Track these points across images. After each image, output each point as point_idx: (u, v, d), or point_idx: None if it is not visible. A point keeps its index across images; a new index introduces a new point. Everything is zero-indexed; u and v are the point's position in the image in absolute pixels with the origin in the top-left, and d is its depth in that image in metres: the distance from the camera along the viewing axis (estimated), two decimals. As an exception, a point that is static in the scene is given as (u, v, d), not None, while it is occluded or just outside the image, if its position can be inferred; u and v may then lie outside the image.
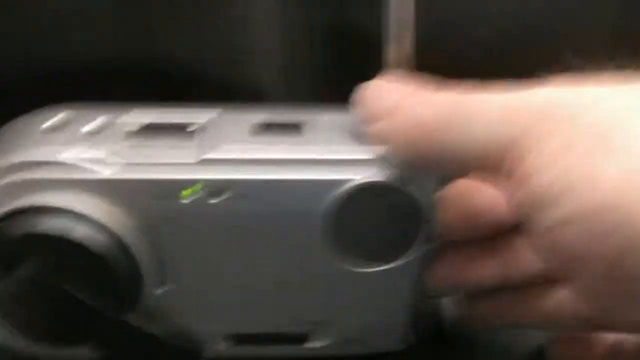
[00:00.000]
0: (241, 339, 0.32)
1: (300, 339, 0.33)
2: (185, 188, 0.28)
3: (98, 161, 0.28)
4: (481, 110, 0.26)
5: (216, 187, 0.28)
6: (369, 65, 0.33)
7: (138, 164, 0.28)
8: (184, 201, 0.28)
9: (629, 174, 0.23)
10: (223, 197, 0.28)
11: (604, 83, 0.25)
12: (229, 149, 0.29)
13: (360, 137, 0.29)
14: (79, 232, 0.28)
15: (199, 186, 0.28)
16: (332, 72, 0.38)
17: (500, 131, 0.25)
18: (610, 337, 0.31)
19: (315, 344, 0.33)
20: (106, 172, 0.28)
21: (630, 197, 0.23)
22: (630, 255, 0.23)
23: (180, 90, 0.34)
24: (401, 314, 0.33)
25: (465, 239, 0.30)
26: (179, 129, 0.30)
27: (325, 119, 0.31)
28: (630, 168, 0.23)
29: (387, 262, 0.30)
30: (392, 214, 0.29)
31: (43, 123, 0.30)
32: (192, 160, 0.28)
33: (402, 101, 0.27)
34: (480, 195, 0.29)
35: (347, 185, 0.28)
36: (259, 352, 0.33)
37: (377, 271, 0.31)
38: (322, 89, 0.38)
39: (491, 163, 0.26)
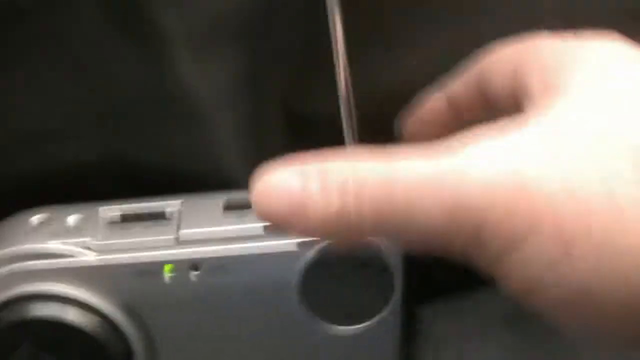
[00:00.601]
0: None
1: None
2: (165, 266, 0.30)
3: (84, 248, 0.30)
4: (424, 194, 0.24)
5: (195, 264, 0.30)
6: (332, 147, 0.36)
7: (121, 248, 0.30)
8: (167, 279, 0.30)
9: None
10: (202, 273, 0.30)
11: None
12: (204, 227, 0.31)
13: None
14: (71, 315, 0.30)
15: (180, 263, 0.30)
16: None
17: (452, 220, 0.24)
18: None
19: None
20: (92, 258, 0.30)
21: None
22: None
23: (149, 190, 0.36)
24: None
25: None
26: (156, 214, 0.32)
27: None
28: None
29: (364, 320, 0.32)
30: (363, 272, 0.31)
31: (29, 221, 0.32)
32: (170, 241, 0.31)
33: (307, 199, 0.24)
34: None
35: (318, 248, 0.31)
36: None
37: (358, 330, 0.32)
38: None
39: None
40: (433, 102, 0.33)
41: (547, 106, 0.25)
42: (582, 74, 0.25)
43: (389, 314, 0.32)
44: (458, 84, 0.31)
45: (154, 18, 0.33)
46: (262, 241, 0.31)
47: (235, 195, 0.33)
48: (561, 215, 0.22)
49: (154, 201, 0.33)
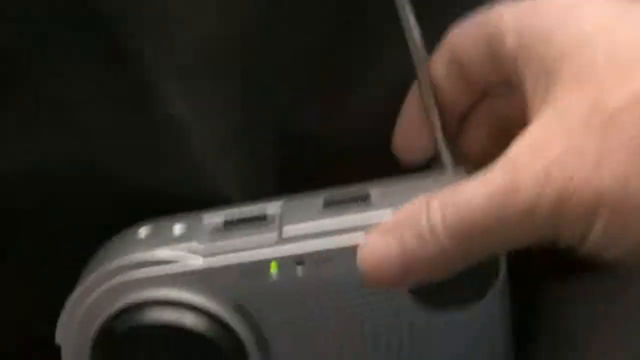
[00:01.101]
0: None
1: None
2: (271, 264, 0.31)
3: (191, 253, 0.31)
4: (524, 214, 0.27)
5: (300, 259, 0.31)
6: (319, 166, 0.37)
7: (227, 251, 0.31)
8: (273, 277, 0.31)
9: None
10: (307, 268, 0.31)
11: None
12: (305, 223, 0.31)
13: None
14: (183, 319, 0.31)
15: (285, 260, 0.31)
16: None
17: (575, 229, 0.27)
18: None
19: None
20: (199, 261, 0.31)
21: None
22: None
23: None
24: None
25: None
26: (258, 216, 0.33)
27: (391, 189, 0.33)
28: None
29: (470, 303, 0.32)
30: None
31: (137, 233, 0.33)
32: (273, 239, 0.31)
33: (405, 256, 0.28)
34: None
35: None
36: None
37: (464, 314, 0.32)
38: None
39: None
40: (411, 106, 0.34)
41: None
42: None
43: (494, 296, 0.32)
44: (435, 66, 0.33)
45: (139, 48, 0.33)
46: (365, 232, 0.31)
47: (334, 192, 0.33)
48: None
49: (255, 204, 0.34)
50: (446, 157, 0.33)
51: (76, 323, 0.31)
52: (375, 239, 0.29)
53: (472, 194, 0.27)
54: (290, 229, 0.31)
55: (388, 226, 0.29)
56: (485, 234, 0.27)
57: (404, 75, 0.34)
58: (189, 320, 0.31)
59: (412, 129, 0.34)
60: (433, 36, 0.33)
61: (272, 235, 0.31)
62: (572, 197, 0.25)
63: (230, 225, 0.33)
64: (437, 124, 0.33)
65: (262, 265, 0.31)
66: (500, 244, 0.28)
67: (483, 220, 0.26)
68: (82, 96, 0.34)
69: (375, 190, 0.33)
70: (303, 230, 0.31)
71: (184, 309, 0.31)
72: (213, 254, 0.31)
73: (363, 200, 0.32)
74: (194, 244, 0.31)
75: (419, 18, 0.33)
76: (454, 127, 0.34)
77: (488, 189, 0.27)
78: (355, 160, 0.39)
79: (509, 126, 0.31)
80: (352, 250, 0.30)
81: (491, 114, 0.34)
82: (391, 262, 0.28)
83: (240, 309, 0.31)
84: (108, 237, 0.34)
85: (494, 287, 0.32)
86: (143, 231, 0.33)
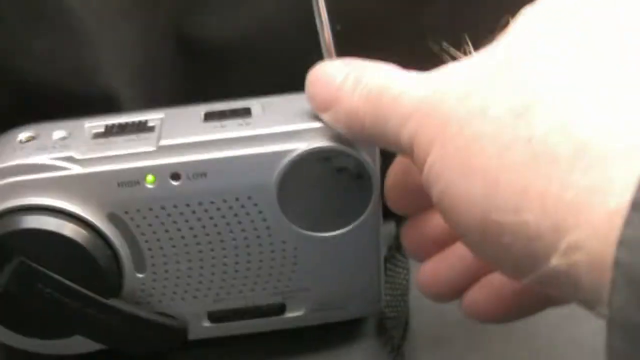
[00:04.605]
0: (222, 315, 0.35)
1: (279, 309, 0.35)
2: (148, 174, 0.31)
3: (69, 159, 0.31)
4: (392, 107, 0.26)
5: (176, 172, 0.31)
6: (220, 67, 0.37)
7: (105, 157, 0.31)
8: (149, 186, 0.31)
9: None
10: (184, 178, 0.31)
11: None
12: (185, 134, 0.31)
13: (307, 113, 0.31)
14: (58, 226, 0.31)
15: (161, 171, 0.31)
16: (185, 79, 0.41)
17: (402, 132, 0.26)
18: None
19: (293, 314, 0.35)
20: (77, 168, 0.31)
21: None
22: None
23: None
24: (370, 277, 0.35)
25: (409, 213, 0.33)
26: (138, 126, 0.33)
27: (272, 102, 0.34)
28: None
29: (344, 224, 0.33)
30: (342, 177, 0.32)
31: (15, 138, 0.33)
32: (152, 148, 0.31)
33: (340, 90, 0.29)
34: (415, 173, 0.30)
35: (296, 153, 0.31)
36: (241, 328, 0.35)
37: (337, 234, 0.33)
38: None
39: (408, 155, 0.26)
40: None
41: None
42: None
43: (366, 220, 0.33)
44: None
45: None
46: (241, 147, 0.31)
47: (216, 105, 0.34)
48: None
49: (138, 113, 0.34)
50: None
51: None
52: (334, 61, 0.30)
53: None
54: (168, 140, 0.31)
55: (347, 60, 0.30)
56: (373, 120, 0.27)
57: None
58: (62, 227, 0.31)
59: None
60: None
61: (150, 145, 0.31)
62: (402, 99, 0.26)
63: (110, 132, 0.33)
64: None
65: (138, 175, 0.31)
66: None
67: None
68: None
69: (256, 105, 0.33)
70: (181, 141, 0.31)
71: (59, 216, 0.31)
72: (90, 162, 0.31)
73: (244, 114, 0.33)
74: (72, 152, 0.31)
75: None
76: None
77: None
78: (247, 69, 0.39)
79: None
80: (226, 162, 0.31)
81: None
82: (330, 85, 0.29)
83: (114, 218, 0.32)
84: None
85: (366, 212, 0.33)
86: (22, 135, 0.33)
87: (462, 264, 0.31)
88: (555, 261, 0.20)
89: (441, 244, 0.32)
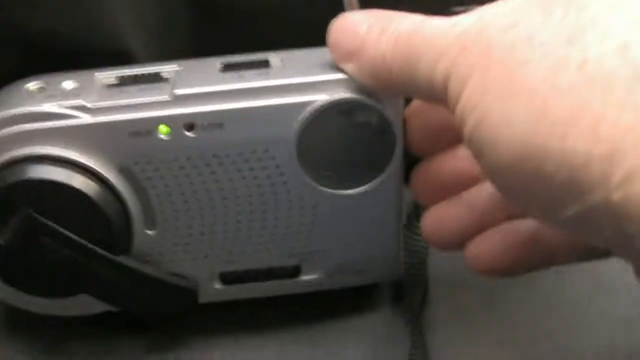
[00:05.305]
0: (234, 277, 0.34)
1: (294, 272, 0.34)
2: (161, 124, 0.30)
3: (80, 108, 0.30)
4: (425, 47, 0.25)
5: (190, 122, 0.30)
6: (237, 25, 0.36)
7: (117, 106, 0.30)
8: (163, 137, 0.30)
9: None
10: (198, 129, 0.30)
11: None
12: (201, 84, 0.30)
13: (329, 64, 0.30)
14: (66, 176, 0.30)
15: (175, 122, 0.30)
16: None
17: (437, 68, 0.25)
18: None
19: (309, 277, 0.34)
20: (87, 117, 0.30)
21: None
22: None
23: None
24: (390, 241, 0.34)
25: (429, 154, 0.32)
26: (151, 77, 0.31)
27: (292, 55, 0.32)
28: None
29: (365, 181, 0.32)
30: (364, 131, 0.30)
31: (25, 87, 0.32)
32: (166, 97, 0.30)
33: (366, 38, 0.28)
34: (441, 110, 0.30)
35: (317, 105, 0.30)
36: (254, 291, 0.34)
37: (357, 192, 0.32)
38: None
39: (440, 97, 0.25)
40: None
41: None
42: None
43: (388, 178, 0.32)
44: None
45: None
46: (260, 98, 0.30)
47: (234, 57, 0.32)
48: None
49: (152, 65, 0.32)
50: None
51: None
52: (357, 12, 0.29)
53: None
54: (183, 89, 0.30)
55: (372, 11, 0.29)
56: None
57: None
58: (71, 178, 0.30)
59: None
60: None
61: (164, 95, 0.30)
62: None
63: (122, 83, 0.31)
64: None
65: (151, 125, 0.30)
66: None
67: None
68: None
69: (274, 57, 0.32)
70: (197, 90, 0.30)
71: (68, 166, 0.30)
72: (101, 111, 0.30)
73: (261, 66, 0.31)
74: (82, 101, 0.30)
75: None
76: None
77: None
78: (265, 27, 0.38)
79: None
80: (243, 114, 0.30)
81: None
82: (354, 33, 0.28)
83: (125, 171, 0.30)
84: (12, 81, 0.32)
85: (389, 166, 0.31)
86: (32, 85, 0.31)
87: (470, 213, 0.30)
88: (604, 192, 0.18)
89: (450, 189, 0.31)
